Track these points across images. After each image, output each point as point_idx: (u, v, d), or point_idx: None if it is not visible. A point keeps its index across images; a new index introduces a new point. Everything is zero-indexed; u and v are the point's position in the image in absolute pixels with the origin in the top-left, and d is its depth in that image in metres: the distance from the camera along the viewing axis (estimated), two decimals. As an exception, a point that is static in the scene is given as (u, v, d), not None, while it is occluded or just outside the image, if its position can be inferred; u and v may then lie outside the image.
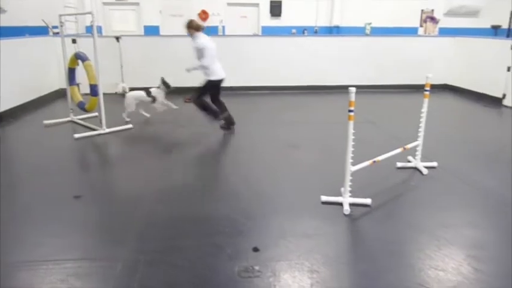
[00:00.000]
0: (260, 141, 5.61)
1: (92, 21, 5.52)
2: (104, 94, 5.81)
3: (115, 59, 8.48)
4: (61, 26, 6.38)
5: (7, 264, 2.69)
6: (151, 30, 12.16)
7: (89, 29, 8.91)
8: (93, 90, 5.71)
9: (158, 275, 2.58)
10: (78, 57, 5.94)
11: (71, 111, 6.45)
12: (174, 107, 6.51)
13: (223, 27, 12.10)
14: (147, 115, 6.58)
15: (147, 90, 6.30)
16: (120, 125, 5.98)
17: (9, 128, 6.21)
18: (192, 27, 5.61)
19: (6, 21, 10.22)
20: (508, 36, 10.37)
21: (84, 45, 6.80)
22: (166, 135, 5.88)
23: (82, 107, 6.13)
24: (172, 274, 2.60)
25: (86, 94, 6.05)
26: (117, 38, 8.60)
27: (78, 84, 6.45)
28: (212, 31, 11.77)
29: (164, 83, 6.35)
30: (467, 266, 2.68)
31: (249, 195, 3.79)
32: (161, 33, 12.11)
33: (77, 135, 5.54)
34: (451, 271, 2.62)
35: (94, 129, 5.81)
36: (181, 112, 6.87)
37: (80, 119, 6.36)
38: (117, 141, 5.58)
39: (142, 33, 12.22)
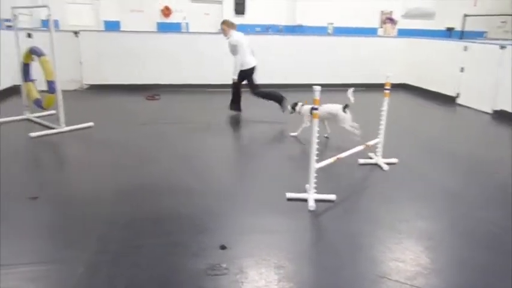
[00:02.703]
0: (225, 137, 5.59)
1: (48, 15, 5.29)
2: (63, 91, 5.59)
3: (73, 54, 8.18)
4: (14, 19, 6.07)
5: (-43, 271, 2.54)
6: (112, 25, 11.82)
7: (45, 23, 8.54)
8: (50, 86, 5.47)
9: (122, 276, 2.52)
10: (33, 52, 5.67)
11: (27, 108, 6.16)
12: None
13: (187, 24, 11.95)
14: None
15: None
16: (80, 123, 5.77)
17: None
18: (227, 25, 6.42)
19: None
20: (461, 38, 10.89)
21: (40, 40, 6.50)
22: (124, 134, 5.73)
23: (39, 105, 5.86)
24: (136, 274, 2.54)
25: (43, 91, 5.79)
26: (76, 33, 8.29)
27: (33, 81, 6.15)
28: (175, 28, 11.61)
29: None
30: (425, 257, 2.81)
31: (212, 193, 3.77)
32: (122, 28, 11.79)
33: (33, 134, 5.29)
34: (410, 262, 2.73)
35: (52, 128, 5.57)
36: (142, 111, 6.72)
37: (36, 117, 6.08)
38: (76, 140, 5.38)
39: (102, 29, 11.85)
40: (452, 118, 7.67)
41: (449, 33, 12.27)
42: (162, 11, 12.19)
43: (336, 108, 5.13)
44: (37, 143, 5.18)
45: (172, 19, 12.12)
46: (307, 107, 5.35)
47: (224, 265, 2.62)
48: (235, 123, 6.49)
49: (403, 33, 11.43)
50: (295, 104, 5.63)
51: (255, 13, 12.59)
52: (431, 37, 10.33)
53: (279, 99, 6.61)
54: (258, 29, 12.17)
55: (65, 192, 3.83)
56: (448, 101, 8.37)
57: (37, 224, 3.19)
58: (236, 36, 6.45)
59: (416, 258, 2.79)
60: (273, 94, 6.67)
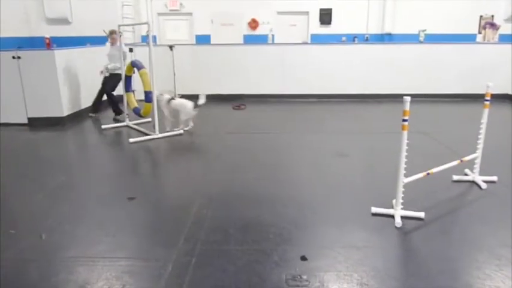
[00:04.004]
0: (308, 149, 5.58)
1: (148, 31, 5.78)
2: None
3: (168, 67, 8.80)
4: (120, 35, 6.74)
5: (65, 259, 2.86)
6: (203, 39, 12.52)
7: (145, 39, 9.34)
8: (148, 96, 5.96)
9: (207, 278, 2.63)
10: (134, 65, 6.24)
11: (127, 116, 6.78)
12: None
13: (273, 35, 12.20)
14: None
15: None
16: (171, 131, 6.19)
17: (71, 132, 6.63)
18: (116, 34, 6.94)
19: (71, 32, 10.99)
20: None
21: (140, 54, 7.13)
22: (211, 142, 6.00)
23: (137, 113, 6.41)
24: (220, 278, 2.64)
25: (141, 100, 6.33)
26: (171, 47, 8.92)
27: (133, 91, 6.76)
28: (262, 39, 11.90)
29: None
30: (532, 288, 2.50)
31: (296, 203, 3.77)
32: (212, 41, 12.42)
33: (131, 140, 5.80)
34: (513, 293, 2.46)
35: (147, 134, 6.06)
36: (228, 120, 6.97)
37: (134, 124, 6.66)
38: (168, 146, 5.78)
39: (194, 42, 12.61)
40: None
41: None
42: (249, 23, 12.60)
43: (186, 103, 6.05)
44: (135, 148, 5.67)
45: (259, 31, 12.46)
46: (166, 97, 6.14)
47: (305, 277, 2.60)
48: (307, 132, 6.42)
49: (505, 38, 10.39)
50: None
51: (341, 23, 12.43)
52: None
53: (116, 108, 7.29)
54: (344, 38, 11.99)
55: (157, 194, 4.13)
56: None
57: (133, 222, 3.49)
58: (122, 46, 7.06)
59: (520, 289, 2.49)
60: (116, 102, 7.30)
